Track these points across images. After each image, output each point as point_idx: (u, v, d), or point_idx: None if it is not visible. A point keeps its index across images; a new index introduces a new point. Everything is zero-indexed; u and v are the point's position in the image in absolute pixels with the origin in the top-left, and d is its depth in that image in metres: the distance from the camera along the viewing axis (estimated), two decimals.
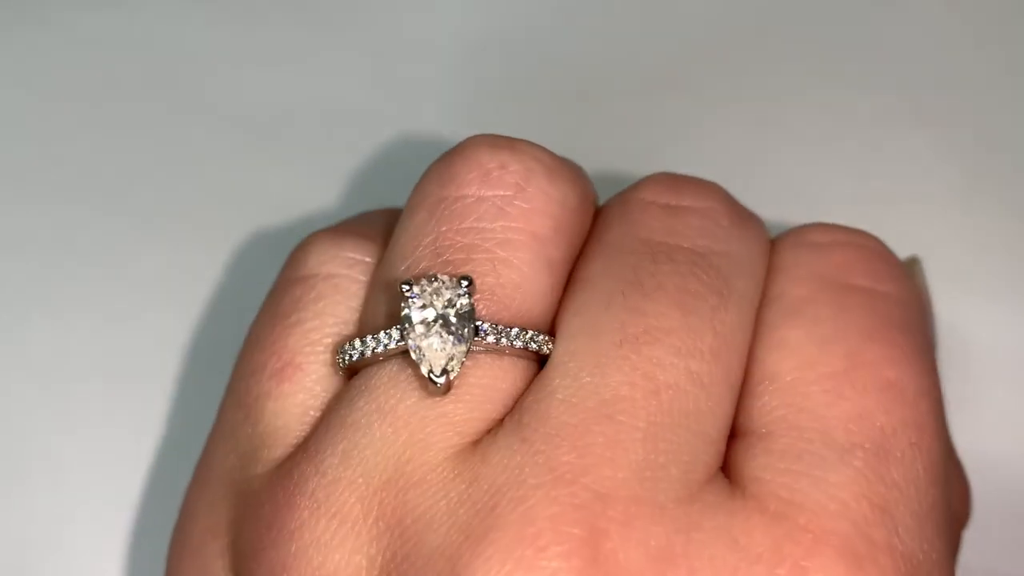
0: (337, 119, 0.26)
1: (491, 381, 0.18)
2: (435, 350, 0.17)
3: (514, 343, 0.18)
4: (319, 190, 0.26)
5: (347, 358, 0.18)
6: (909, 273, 0.22)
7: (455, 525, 0.16)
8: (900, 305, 0.19)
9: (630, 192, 0.20)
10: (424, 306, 0.18)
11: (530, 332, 0.18)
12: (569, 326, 0.18)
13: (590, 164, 0.21)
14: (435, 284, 0.18)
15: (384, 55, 0.27)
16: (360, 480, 0.17)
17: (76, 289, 0.25)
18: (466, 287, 0.18)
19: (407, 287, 0.18)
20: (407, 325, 0.18)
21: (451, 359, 0.17)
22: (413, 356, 0.17)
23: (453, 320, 0.17)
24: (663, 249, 0.18)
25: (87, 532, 0.23)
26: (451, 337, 0.17)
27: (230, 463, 0.19)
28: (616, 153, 0.25)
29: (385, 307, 0.19)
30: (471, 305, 0.18)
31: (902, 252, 0.21)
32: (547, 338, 0.18)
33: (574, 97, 0.26)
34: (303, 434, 0.19)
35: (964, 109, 0.26)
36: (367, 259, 0.20)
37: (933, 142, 0.26)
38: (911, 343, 0.18)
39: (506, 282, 0.18)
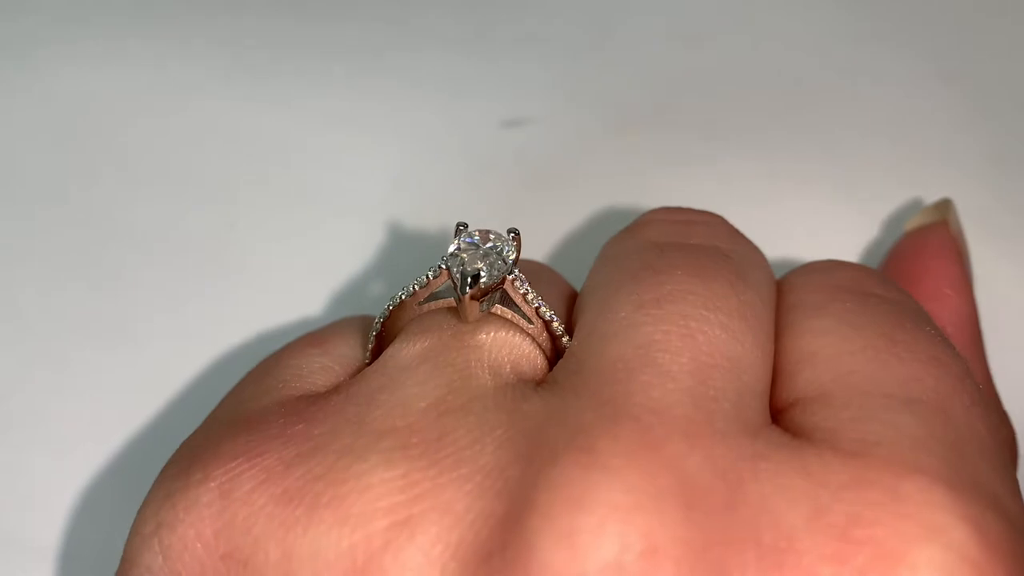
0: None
1: (521, 343, 0.18)
2: (472, 260, 0.17)
3: (540, 308, 0.18)
4: (319, 135, 0.26)
5: (388, 310, 0.18)
6: (943, 214, 0.22)
7: (501, 447, 0.15)
8: (916, 310, 0.19)
9: (633, 221, 0.20)
10: (472, 244, 0.18)
11: (552, 311, 0.18)
12: (586, 308, 0.18)
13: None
14: (485, 230, 0.18)
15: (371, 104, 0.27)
16: (396, 406, 0.16)
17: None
18: (514, 237, 0.18)
19: (462, 226, 0.18)
20: (453, 252, 0.18)
21: (486, 271, 0.17)
22: (450, 266, 0.17)
23: (495, 253, 0.18)
24: (671, 247, 0.18)
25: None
26: (491, 259, 0.18)
27: (245, 396, 0.18)
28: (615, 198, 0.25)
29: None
30: (515, 252, 0.18)
31: None
32: (564, 327, 0.18)
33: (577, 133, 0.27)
34: (319, 383, 0.18)
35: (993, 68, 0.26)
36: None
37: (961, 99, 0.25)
38: (938, 336, 0.18)
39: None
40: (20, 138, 0.26)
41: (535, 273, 0.20)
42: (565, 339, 0.18)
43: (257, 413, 0.17)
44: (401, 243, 0.25)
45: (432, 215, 0.25)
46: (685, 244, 0.18)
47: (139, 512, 0.17)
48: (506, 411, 0.16)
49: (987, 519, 0.14)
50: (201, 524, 0.16)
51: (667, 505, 0.14)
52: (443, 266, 0.18)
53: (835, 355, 0.17)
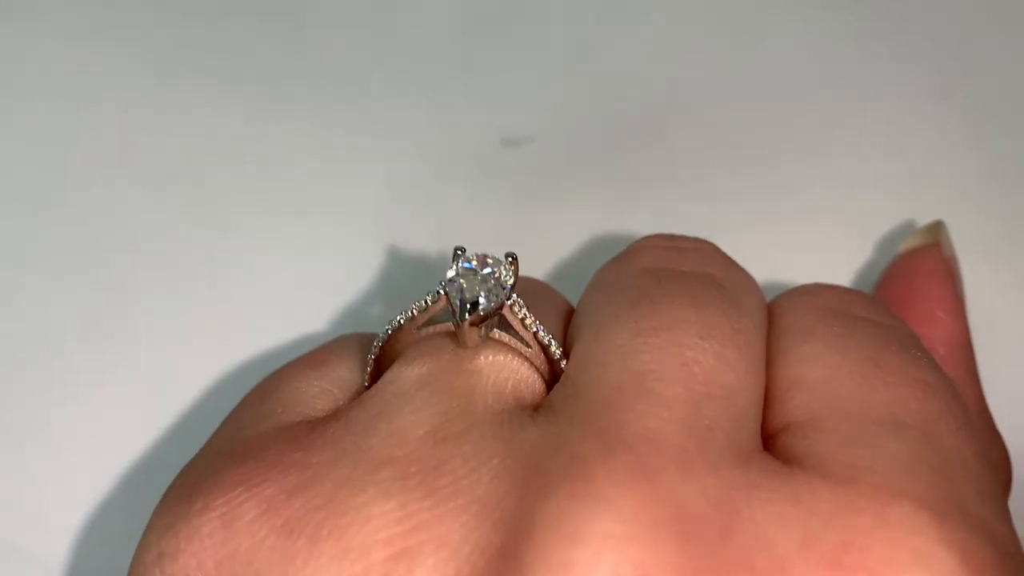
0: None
1: (519, 369, 0.18)
2: (472, 286, 0.18)
3: (538, 333, 0.18)
4: (317, 153, 0.26)
5: (385, 334, 0.18)
6: (935, 236, 0.22)
7: (497, 476, 0.15)
8: (904, 333, 0.19)
9: (626, 248, 0.20)
10: (470, 270, 0.18)
11: (550, 335, 0.18)
12: (582, 334, 0.18)
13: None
14: (483, 254, 0.18)
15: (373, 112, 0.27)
16: (395, 433, 0.16)
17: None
18: (511, 262, 0.18)
19: (460, 252, 0.18)
20: (451, 277, 0.18)
21: (485, 298, 0.17)
22: (449, 292, 0.18)
23: (493, 278, 0.18)
24: (666, 274, 0.19)
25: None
26: (490, 285, 0.18)
27: (244, 421, 0.18)
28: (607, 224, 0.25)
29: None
30: (513, 277, 0.18)
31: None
32: (561, 350, 0.18)
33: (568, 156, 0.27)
34: (318, 407, 0.18)
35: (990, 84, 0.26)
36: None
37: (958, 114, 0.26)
38: (925, 358, 0.18)
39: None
40: (20, 142, 0.25)
41: (532, 290, 0.20)
42: (563, 363, 0.18)
43: (256, 439, 0.17)
44: (398, 258, 0.25)
45: (429, 231, 0.25)
46: (680, 272, 0.19)
47: (141, 539, 0.17)
48: (503, 439, 0.16)
49: (972, 544, 0.15)
50: (203, 554, 0.16)
51: (661, 535, 0.14)
52: (442, 291, 0.18)
53: (823, 381, 0.17)
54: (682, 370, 0.16)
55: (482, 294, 0.18)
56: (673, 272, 0.19)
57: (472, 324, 0.18)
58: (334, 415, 0.18)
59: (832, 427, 0.16)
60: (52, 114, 0.26)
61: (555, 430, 0.16)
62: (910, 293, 0.22)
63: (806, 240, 0.24)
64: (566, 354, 0.18)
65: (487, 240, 0.23)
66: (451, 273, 0.18)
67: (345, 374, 0.19)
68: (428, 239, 0.25)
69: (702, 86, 0.26)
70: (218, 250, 0.24)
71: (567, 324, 0.19)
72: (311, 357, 0.20)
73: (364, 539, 0.15)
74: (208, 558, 0.16)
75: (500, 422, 0.17)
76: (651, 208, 0.22)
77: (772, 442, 0.17)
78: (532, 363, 0.18)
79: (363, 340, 0.20)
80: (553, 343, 0.18)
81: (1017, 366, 0.23)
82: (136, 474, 0.23)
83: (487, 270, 0.18)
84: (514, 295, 0.18)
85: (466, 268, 0.18)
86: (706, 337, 0.17)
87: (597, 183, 0.25)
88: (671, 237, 0.20)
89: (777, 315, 0.19)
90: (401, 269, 0.24)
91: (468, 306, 0.17)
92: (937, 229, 0.23)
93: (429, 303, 0.18)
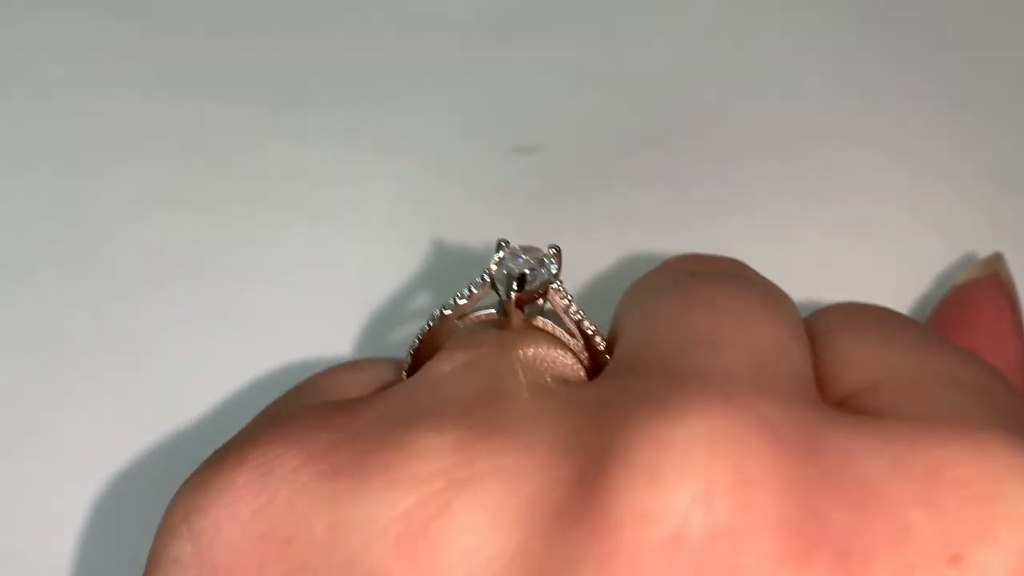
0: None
1: (562, 353, 0.18)
2: (517, 266, 0.17)
3: (583, 322, 0.18)
4: (330, 160, 0.26)
5: (430, 323, 0.18)
6: (994, 268, 0.22)
7: (561, 421, 0.15)
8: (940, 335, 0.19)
9: (657, 266, 0.20)
10: (515, 257, 0.18)
11: (597, 326, 0.18)
12: (628, 320, 0.18)
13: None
14: (526, 245, 0.18)
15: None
16: (450, 394, 0.16)
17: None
18: (555, 252, 0.18)
19: (504, 243, 0.18)
20: (500, 269, 0.18)
21: (531, 273, 0.17)
22: (494, 276, 0.17)
23: (536, 259, 0.18)
24: (702, 273, 0.19)
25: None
26: (533, 267, 0.17)
27: (277, 406, 0.18)
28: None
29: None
30: (557, 268, 0.18)
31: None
32: (606, 343, 0.18)
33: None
34: (357, 393, 0.18)
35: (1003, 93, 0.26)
36: None
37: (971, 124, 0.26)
38: (966, 349, 0.18)
39: None
40: (27, 153, 0.25)
41: None
42: (607, 355, 0.18)
43: (294, 412, 0.17)
44: (411, 265, 0.24)
45: (442, 237, 0.24)
46: (713, 273, 0.19)
47: (168, 506, 0.16)
48: (562, 398, 0.16)
49: None
50: (237, 505, 0.15)
51: (751, 440, 0.13)
52: (485, 278, 0.18)
53: (876, 357, 0.17)
54: (740, 331, 0.16)
55: (528, 272, 0.17)
56: (708, 273, 0.19)
57: (519, 303, 0.17)
58: (375, 392, 0.17)
59: (896, 387, 0.16)
60: (59, 121, 0.25)
61: (618, 384, 0.15)
62: (970, 317, 0.22)
63: (819, 249, 0.24)
64: (609, 350, 0.18)
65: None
66: (495, 260, 0.18)
67: (381, 375, 0.19)
68: (440, 245, 0.24)
69: (714, 96, 0.26)
70: (228, 257, 0.24)
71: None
72: (343, 364, 0.19)
73: (418, 470, 0.14)
74: (243, 508, 0.15)
75: (551, 388, 0.16)
76: (665, 216, 0.22)
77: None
78: (575, 354, 0.18)
79: (394, 359, 0.20)
80: (598, 334, 0.18)
81: None
82: (143, 484, 0.22)
83: (531, 256, 0.18)
84: (559, 281, 0.18)
85: (510, 254, 0.18)
86: (758, 309, 0.17)
87: (610, 191, 0.25)
88: (698, 254, 0.20)
89: (812, 324, 0.19)
90: (413, 276, 0.24)
91: (515, 281, 0.17)
92: (996, 261, 0.23)
93: (472, 292, 0.18)
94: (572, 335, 0.18)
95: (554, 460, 0.14)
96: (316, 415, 0.16)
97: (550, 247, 0.18)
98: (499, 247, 0.18)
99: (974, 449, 0.14)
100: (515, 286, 0.17)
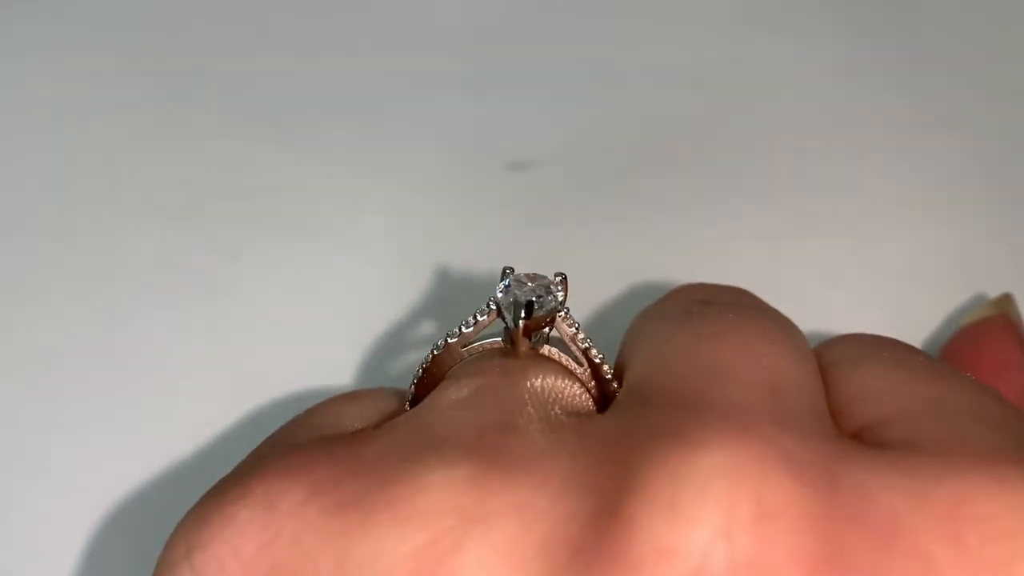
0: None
1: (569, 383, 0.17)
2: (522, 293, 0.17)
3: (590, 350, 0.17)
4: (326, 176, 0.26)
5: (435, 351, 0.18)
6: (1003, 308, 0.22)
7: (575, 455, 0.14)
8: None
9: (664, 295, 0.20)
10: (521, 284, 0.18)
11: (604, 355, 0.17)
12: (638, 349, 0.17)
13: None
14: (532, 273, 0.18)
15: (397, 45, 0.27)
16: (454, 428, 0.15)
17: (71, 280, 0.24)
18: (560, 281, 0.18)
19: (509, 270, 0.18)
20: (506, 297, 0.17)
21: (539, 301, 0.17)
22: (501, 305, 0.17)
23: (543, 287, 0.17)
24: (712, 302, 0.18)
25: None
26: (540, 296, 0.17)
27: (280, 436, 0.17)
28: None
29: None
30: (563, 296, 0.18)
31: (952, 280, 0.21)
32: (613, 372, 0.17)
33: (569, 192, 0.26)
34: (359, 424, 0.17)
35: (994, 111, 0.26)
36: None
37: (961, 141, 0.26)
38: (978, 381, 0.18)
39: None
40: (26, 168, 0.25)
41: None
42: (614, 384, 0.17)
43: (297, 443, 0.16)
44: (407, 283, 0.24)
45: (437, 254, 0.24)
46: (723, 301, 0.18)
47: (168, 540, 0.15)
48: (573, 429, 0.15)
49: None
50: (240, 540, 0.14)
51: (773, 472, 0.13)
52: (492, 306, 0.17)
53: (889, 389, 0.16)
54: (753, 362, 0.16)
55: (534, 298, 0.17)
56: (715, 303, 0.18)
57: (526, 331, 0.17)
58: (379, 425, 0.17)
59: (911, 420, 0.15)
60: (58, 141, 0.25)
61: (631, 417, 0.15)
62: (979, 358, 0.22)
63: (815, 262, 0.24)
64: (617, 378, 0.17)
65: (495, 263, 0.22)
66: (502, 286, 0.18)
67: (383, 406, 0.18)
68: (437, 265, 0.24)
69: (711, 113, 0.26)
70: (226, 278, 0.24)
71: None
72: (345, 394, 0.19)
73: (428, 506, 0.14)
74: (246, 544, 0.14)
75: (563, 420, 0.16)
76: (661, 232, 0.22)
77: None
78: (583, 383, 0.17)
79: (396, 389, 0.19)
80: (606, 363, 0.17)
81: None
82: (139, 515, 0.21)
83: (538, 283, 0.18)
84: (566, 309, 0.17)
85: (517, 282, 0.18)
86: (771, 341, 0.16)
87: (604, 207, 0.25)
88: (704, 284, 0.20)
89: (820, 354, 0.18)
90: (409, 296, 0.24)
91: (523, 309, 0.17)
92: (1006, 302, 0.23)
93: (478, 319, 0.18)
94: (579, 363, 0.17)
95: (569, 495, 0.14)
96: (320, 448, 0.16)
97: (556, 275, 0.18)
98: (504, 274, 0.18)
99: (996, 483, 0.13)
100: (523, 314, 0.17)
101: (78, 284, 0.24)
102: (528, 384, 0.17)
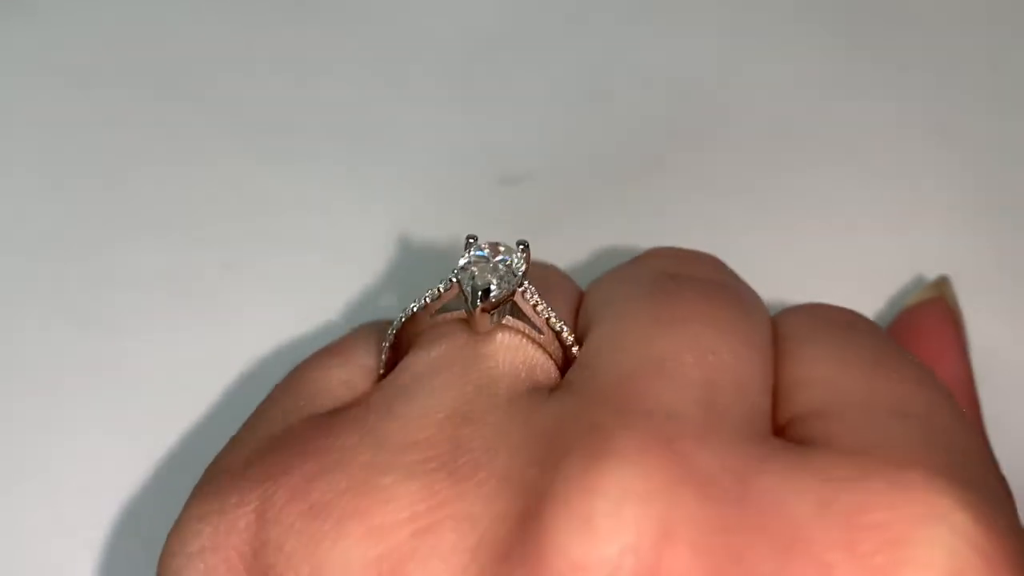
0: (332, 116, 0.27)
1: (534, 354, 0.18)
2: (483, 273, 0.18)
3: (550, 319, 0.18)
4: (320, 190, 0.26)
5: (399, 323, 0.19)
6: (940, 291, 0.23)
7: (516, 451, 0.16)
8: (901, 348, 0.19)
9: (637, 256, 0.21)
10: (482, 258, 0.18)
11: (563, 322, 0.18)
12: (600, 318, 0.18)
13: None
14: (494, 242, 0.18)
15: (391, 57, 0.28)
16: (415, 416, 0.17)
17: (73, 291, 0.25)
18: (523, 250, 0.18)
19: (472, 240, 0.18)
20: (464, 265, 0.18)
21: (497, 286, 0.18)
22: (461, 280, 0.18)
23: (504, 266, 0.18)
24: (680, 276, 0.19)
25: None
26: (502, 272, 0.18)
27: (267, 421, 0.19)
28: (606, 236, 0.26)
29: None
30: (524, 264, 0.18)
31: (909, 268, 0.21)
32: (573, 336, 0.18)
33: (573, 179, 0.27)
34: (345, 398, 0.19)
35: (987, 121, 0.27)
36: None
37: (954, 151, 0.26)
38: (923, 366, 0.18)
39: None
40: (20, 180, 0.26)
41: (543, 276, 0.20)
42: (575, 348, 0.18)
43: (282, 432, 0.18)
44: (399, 295, 0.25)
45: (429, 268, 0.25)
46: (692, 278, 0.19)
47: (175, 532, 0.17)
48: (520, 419, 0.17)
49: (988, 509, 0.15)
50: (243, 546, 0.16)
51: (681, 492, 0.14)
52: (454, 279, 0.18)
53: (827, 378, 0.17)
54: (698, 357, 0.17)
55: (493, 281, 0.18)
56: (687, 275, 0.19)
57: (484, 311, 0.18)
58: (355, 401, 0.18)
59: (840, 415, 0.17)
60: (51, 154, 0.26)
61: (573, 405, 0.16)
62: (916, 337, 0.22)
63: (804, 271, 0.25)
64: (578, 340, 0.18)
65: None
66: (463, 260, 0.18)
67: (367, 361, 0.20)
68: (428, 276, 0.25)
69: (701, 122, 0.26)
70: (220, 287, 0.25)
71: (578, 307, 0.20)
72: (332, 348, 0.20)
73: (389, 518, 0.15)
74: (247, 548, 0.16)
75: (517, 403, 0.17)
76: (653, 243, 0.23)
77: (781, 433, 0.17)
78: (545, 348, 0.18)
79: (381, 328, 0.20)
80: (565, 329, 0.18)
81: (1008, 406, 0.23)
82: (132, 501, 0.23)
83: (499, 258, 0.18)
84: (526, 282, 0.18)
85: (478, 256, 0.18)
86: (723, 332, 0.17)
87: (597, 219, 0.26)
88: (679, 249, 0.21)
89: (779, 324, 0.19)
90: (403, 307, 0.25)
91: (480, 293, 0.18)
92: (943, 284, 0.23)
93: (441, 291, 0.18)
94: (541, 331, 0.18)
95: (503, 495, 0.15)
96: (300, 437, 0.17)
97: (518, 243, 0.18)
98: (467, 244, 0.18)
99: (898, 491, 0.15)
100: (480, 298, 0.18)
101: (73, 296, 0.24)
102: (490, 355, 0.18)
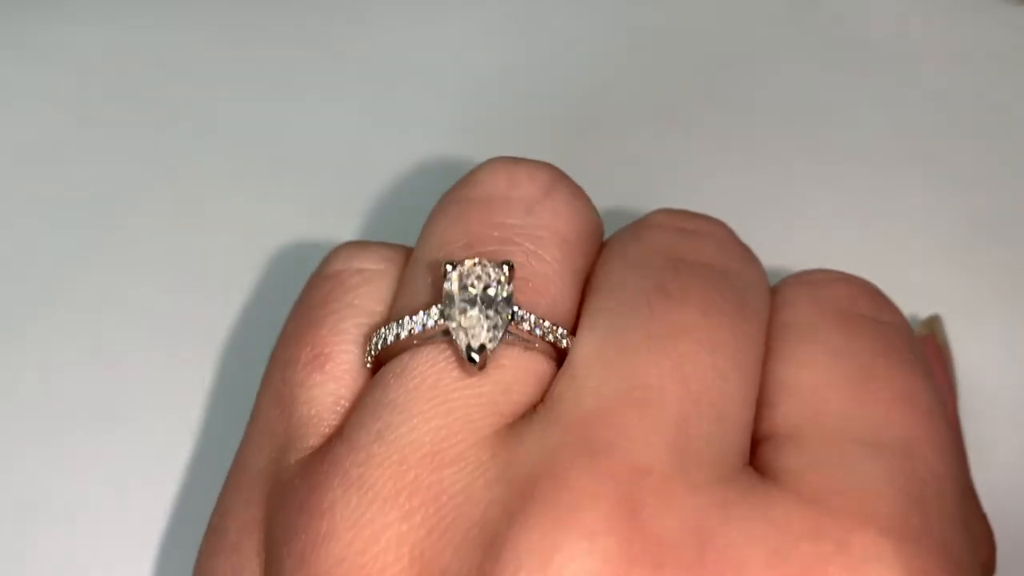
0: (342, 152, 0.27)
1: (524, 366, 0.18)
2: (475, 325, 0.17)
3: (546, 336, 0.18)
4: (321, 221, 0.26)
5: (383, 341, 0.18)
6: (931, 329, 0.23)
7: (494, 501, 0.16)
8: (902, 333, 0.19)
9: (641, 220, 0.20)
10: (465, 287, 0.18)
11: (560, 328, 0.18)
12: (594, 322, 0.18)
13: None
14: (477, 267, 0.18)
15: (389, 87, 0.28)
16: (395, 457, 0.17)
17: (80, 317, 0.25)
18: (508, 271, 0.18)
19: (450, 267, 0.18)
20: (448, 302, 0.18)
21: (490, 336, 0.17)
22: (452, 331, 0.17)
23: (493, 300, 0.18)
24: (684, 264, 0.19)
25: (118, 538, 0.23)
26: (491, 315, 0.17)
27: (265, 458, 0.19)
28: (617, 190, 0.26)
29: (424, 290, 0.19)
30: (511, 290, 0.18)
31: (903, 298, 0.21)
32: (570, 335, 0.18)
33: (576, 132, 0.27)
34: (336, 423, 0.19)
35: (968, 160, 0.28)
36: (396, 255, 0.20)
37: (935, 189, 0.27)
38: (918, 366, 0.19)
39: (540, 274, 0.19)
40: (20, 217, 0.26)
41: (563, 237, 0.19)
42: (566, 344, 0.18)
43: (281, 484, 0.18)
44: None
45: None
46: (697, 265, 0.19)
47: None
48: (501, 461, 0.16)
49: (932, 572, 0.16)
50: None
51: (638, 562, 0.15)
52: (439, 320, 0.18)
53: (812, 389, 0.18)
54: (681, 387, 0.17)
55: (488, 333, 0.17)
56: (689, 264, 0.19)
57: (481, 366, 0.17)
58: (339, 434, 0.18)
59: (811, 444, 0.17)
60: (49, 185, 0.26)
61: (552, 444, 0.16)
62: None
63: None
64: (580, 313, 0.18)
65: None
66: (446, 303, 0.18)
67: (351, 369, 0.19)
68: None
69: (686, 147, 0.26)
70: (220, 325, 0.25)
71: (591, 273, 0.19)
72: (313, 354, 0.19)
73: None
74: None
75: (499, 437, 0.17)
76: (662, 195, 0.23)
77: (757, 449, 0.18)
78: (541, 351, 0.18)
79: (357, 319, 0.20)
80: (562, 336, 0.18)
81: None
82: (137, 539, 0.23)
83: (485, 289, 0.18)
84: (515, 309, 0.18)
85: (463, 298, 0.18)
86: (710, 350, 0.17)
87: (611, 165, 0.26)
88: (685, 215, 0.20)
89: (780, 305, 0.19)
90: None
91: (475, 354, 0.17)
92: (934, 323, 0.23)
93: (427, 327, 0.18)
94: (534, 343, 0.18)
95: (465, 547, 0.16)
96: (297, 493, 0.17)
97: (503, 264, 0.18)
98: (445, 274, 0.18)
99: (845, 556, 0.15)
100: (476, 356, 0.17)
101: (77, 336, 0.25)
102: (476, 382, 0.18)
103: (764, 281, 0.20)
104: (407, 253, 0.20)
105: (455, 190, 0.20)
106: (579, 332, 0.18)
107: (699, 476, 0.16)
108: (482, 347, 0.17)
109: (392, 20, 0.29)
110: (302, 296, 0.20)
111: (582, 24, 0.29)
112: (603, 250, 0.20)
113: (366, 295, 0.20)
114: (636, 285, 0.18)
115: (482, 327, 0.17)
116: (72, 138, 0.27)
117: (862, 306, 0.19)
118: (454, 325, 0.17)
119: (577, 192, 0.20)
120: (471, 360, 0.17)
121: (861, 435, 0.17)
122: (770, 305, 0.19)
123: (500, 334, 0.17)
